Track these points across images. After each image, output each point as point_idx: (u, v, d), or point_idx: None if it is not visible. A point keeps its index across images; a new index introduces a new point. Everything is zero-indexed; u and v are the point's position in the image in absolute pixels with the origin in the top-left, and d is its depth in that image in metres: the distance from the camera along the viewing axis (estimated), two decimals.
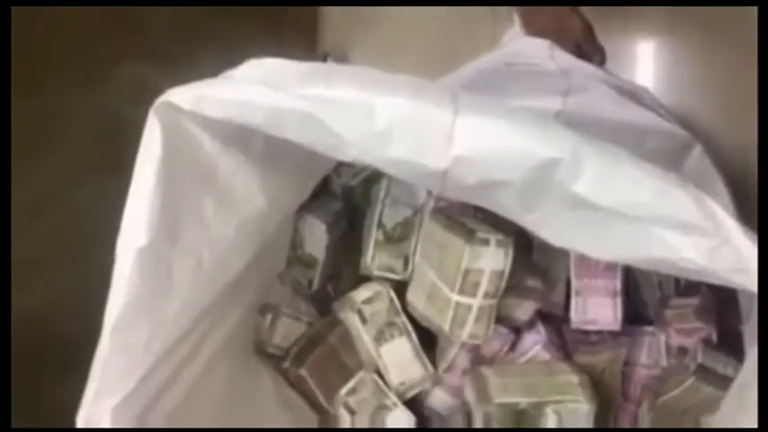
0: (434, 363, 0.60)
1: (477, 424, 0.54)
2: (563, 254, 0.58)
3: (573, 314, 0.57)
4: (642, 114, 0.60)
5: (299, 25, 0.97)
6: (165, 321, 0.44)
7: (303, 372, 0.58)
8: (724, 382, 0.51)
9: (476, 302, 0.53)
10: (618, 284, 0.57)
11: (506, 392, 0.54)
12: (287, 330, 0.60)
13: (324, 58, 0.96)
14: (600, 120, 0.55)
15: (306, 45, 0.96)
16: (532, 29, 0.76)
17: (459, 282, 0.52)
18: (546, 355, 0.58)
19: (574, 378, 0.54)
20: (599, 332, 0.58)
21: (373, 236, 0.58)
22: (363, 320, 0.58)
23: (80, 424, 0.41)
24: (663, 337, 0.58)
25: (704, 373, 0.52)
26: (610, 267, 0.57)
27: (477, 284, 0.52)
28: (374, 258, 0.58)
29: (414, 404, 0.60)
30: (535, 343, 0.58)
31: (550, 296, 0.59)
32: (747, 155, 0.51)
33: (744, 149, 0.65)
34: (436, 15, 0.95)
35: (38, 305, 0.55)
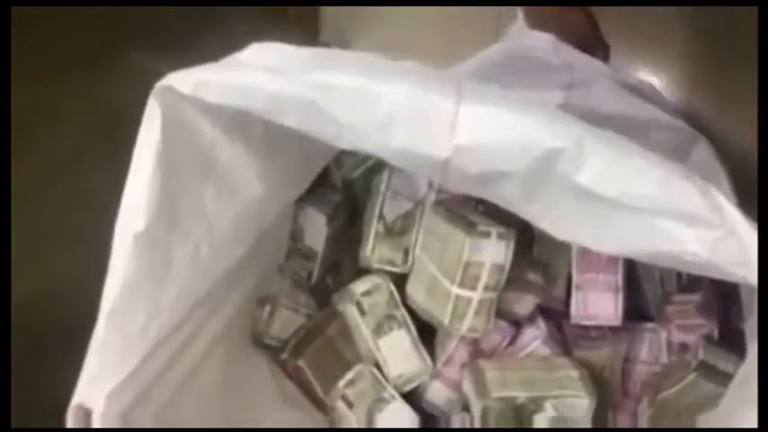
0: (433, 356, 0.59)
1: (476, 418, 0.54)
2: (564, 248, 0.57)
3: (573, 309, 0.57)
4: (646, 109, 0.59)
5: (301, 17, 0.97)
6: (161, 307, 0.43)
7: (301, 363, 0.58)
8: (725, 379, 0.50)
9: (476, 296, 0.52)
10: (619, 279, 0.56)
11: (505, 386, 0.53)
12: (285, 322, 0.60)
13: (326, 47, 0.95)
14: (603, 113, 0.55)
15: (307, 36, 0.96)
16: (536, 23, 0.76)
17: (459, 274, 0.52)
18: (546, 350, 0.57)
19: (573, 372, 0.54)
20: (599, 327, 0.58)
21: (373, 228, 0.58)
22: (362, 313, 0.58)
23: (74, 409, 0.41)
24: (664, 334, 0.57)
25: (705, 369, 0.52)
26: (611, 262, 0.56)
27: (477, 277, 0.52)
28: (374, 251, 0.58)
29: (412, 397, 0.59)
30: (535, 338, 0.57)
31: (551, 291, 0.58)
32: (747, 155, 0.51)
33: (744, 149, 0.65)
34: (439, 11, 0.95)
35: (36, 290, 0.55)
